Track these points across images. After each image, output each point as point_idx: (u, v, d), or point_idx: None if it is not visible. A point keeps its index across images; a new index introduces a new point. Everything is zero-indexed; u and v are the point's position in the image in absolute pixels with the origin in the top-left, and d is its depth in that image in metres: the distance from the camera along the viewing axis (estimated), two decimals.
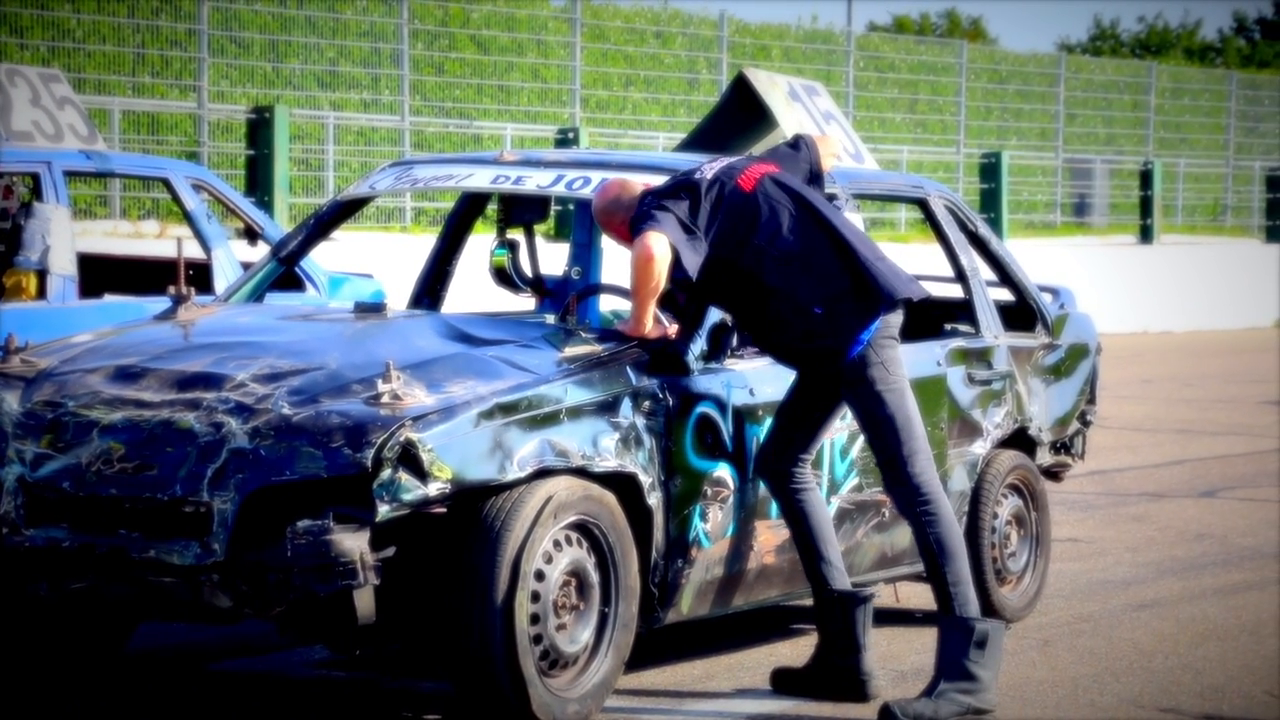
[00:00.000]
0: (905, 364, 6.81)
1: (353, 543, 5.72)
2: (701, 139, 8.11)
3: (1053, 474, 8.65)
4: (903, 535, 6.93)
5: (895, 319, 6.60)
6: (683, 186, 6.66)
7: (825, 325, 6.53)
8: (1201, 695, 6.92)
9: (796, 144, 7.06)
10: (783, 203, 6.59)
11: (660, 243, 6.37)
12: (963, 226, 8.30)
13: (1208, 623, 8.16)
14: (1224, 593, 8.81)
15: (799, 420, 6.78)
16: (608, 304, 7.98)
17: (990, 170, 28.36)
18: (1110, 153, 34.35)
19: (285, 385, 6.10)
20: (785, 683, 6.78)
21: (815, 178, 6.93)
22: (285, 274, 8.20)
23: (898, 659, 7.16)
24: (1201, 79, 38.94)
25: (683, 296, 6.74)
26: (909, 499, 6.59)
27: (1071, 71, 34.91)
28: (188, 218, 9.80)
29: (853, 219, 7.36)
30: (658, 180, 6.89)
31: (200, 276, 9.34)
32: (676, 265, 6.45)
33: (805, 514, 6.78)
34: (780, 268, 6.52)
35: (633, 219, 6.58)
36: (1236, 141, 35.89)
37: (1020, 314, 8.58)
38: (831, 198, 7.18)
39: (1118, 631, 7.97)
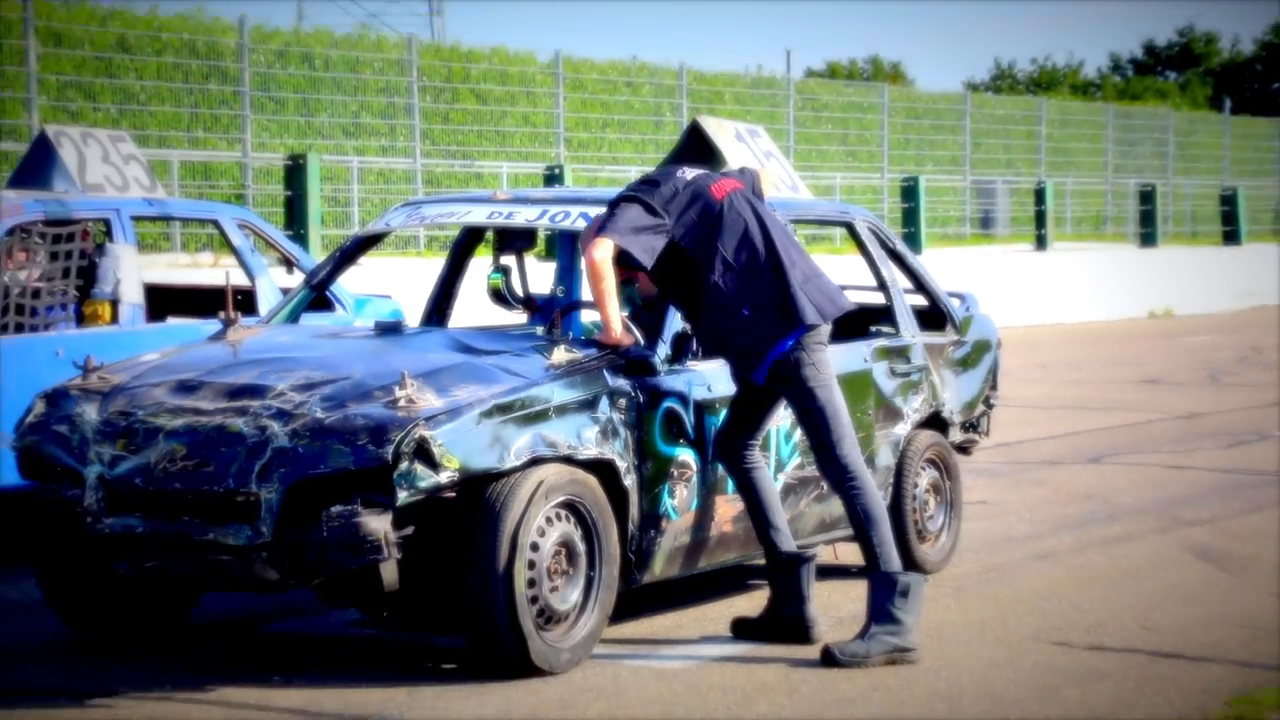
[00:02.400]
0: (835, 363, 6.87)
1: (378, 524, 5.77)
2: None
3: (963, 449, 8.69)
4: (838, 505, 6.96)
5: (825, 329, 6.65)
6: (663, 178, 6.71)
7: (748, 328, 6.57)
8: (1088, 630, 6.96)
9: (743, 172, 7.10)
10: (744, 217, 6.64)
11: (600, 248, 6.46)
12: (883, 244, 8.35)
13: (1093, 569, 8.20)
14: (1107, 543, 8.84)
15: (746, 411, 6.82)
16: (589, 316, 8.00)
17: (910, 192, 28.39)
18: (1009, 174, 34.39)
19: (318, 393, 6.13)
20: (743, 630, 6.82)
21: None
22: (317, 298, 8.24)
23: (837, 607, 7.19)
24: (1084, 110, 39.02)
25: (646, 317, 6.79)
26: (839, 477, 6.64)
27: (976, 106, 34.97)
28: (234, 252, 9.82)
29: None
30: None
31: (246, 302, 9.36)
32: (628, 256, 6.50)
33: (756, 489, 6.83)
34: (725, 269, 6.57)
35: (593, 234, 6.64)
36: (1114, 163, 35.97)
37: (933, 316, 8.63)
38: None
39: (1019, 579, 8.01)
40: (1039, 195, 30.93)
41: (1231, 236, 34.40)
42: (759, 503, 6.82)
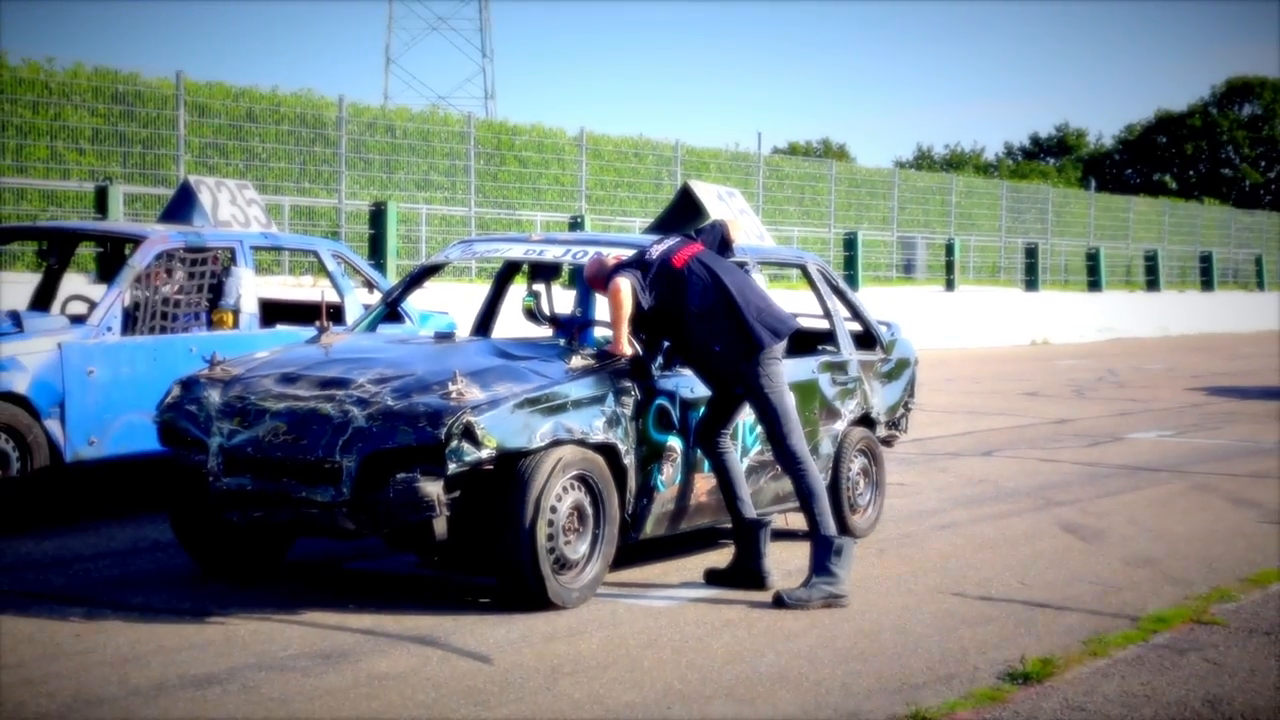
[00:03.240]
0: (789, 373, 6.83)
1: (432, 487, 5.72)
2: (661, 225, 8.09)
3: (887, 442, 8.63)
4: (789, 483, 6.90)
5: (779, 348, 6.61)
6: (637, 261, 6.69)
7: (722, 358, 6.56)
8: (979, 584, 6.90)
9: (713, 226, 7.06)
10: (701, 276, 6.60)
11: (625, 284, 6.46)
12: (829, 283, 8.29)
13: (984, 537, 8.14)
14: (995, 517, 8.78)
15: (720, 409, 6.77)
16: (600, 332, 7.95)
17: (850, 243, 28.36)
18: (927, 232, 34.29)
19: (389, 385, 6.08)
20: (714, 578, 6.76)
21: (725, 247, 6.94)
22: (391, 313, 8.19)
23: (787, 562, 7.13)
24: (984, 185, 38.92)
25: (641, 336, 6.75)
26: (789, 462, 6.59)
27: (902, 179, 34.88)
28: (329, 276, 9.77)
29: (757, 277, 7.36)
30: (626, 252, 6.91)
31: (336, 315, 9.31)
32: (636, 301, 6.48)
33: (727, 469, 6.78)
34: (696, 320, 6.55)
35: (607, 277, 6.62)
36: (1007, 226, 35.87)
37: (866, 339, 8.57)
38: (742, 264, 7.18)
39: (927, 543, 7.95)
40: (949, 249, 30.89)
41: (1095, 285, 34.38)
42: (728, 480, 6.77)
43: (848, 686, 5.13)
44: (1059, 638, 5.88)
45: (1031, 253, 33.10)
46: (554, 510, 6.02)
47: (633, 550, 6.84)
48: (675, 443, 6.72)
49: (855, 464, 8.02)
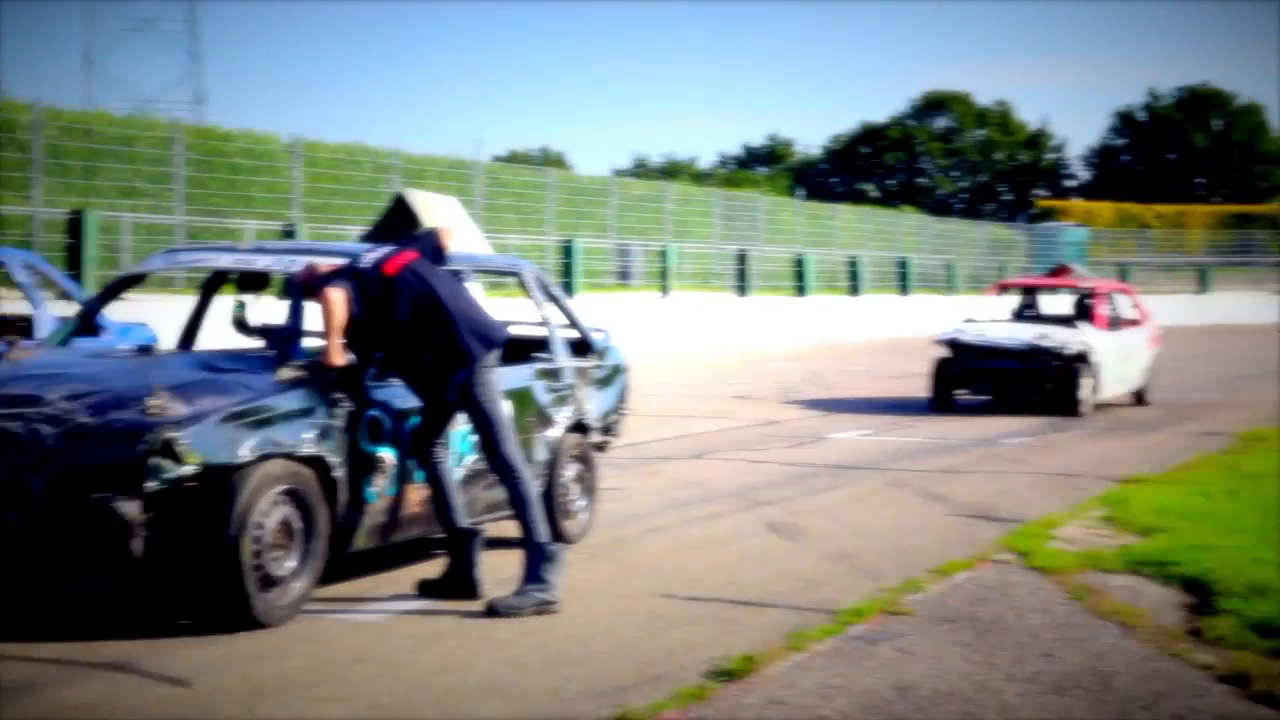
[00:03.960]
0: (505, 380, 6.87)
1: (129, 507, 5.53)
2: (376, 234, 8.00)
3: (600, 447, 8.73)
4: (503, 492, 6.92)
5: (491, 357, 6.63)
6: (350, 270, 6.61)
7: (433, 369, 6.56)
8: (687, 585, 7.05)
9: (430, 234, 7.03)
10: (414, 285, 6.58)
11: (337, 294, 6.40)
12: (544, 290, 8.35)
13: (693, 539, 8.32)
14: (705, 519, 9.00)
15: (433, 418, 6.74)
16: (312, 343, 7.79)
17: (568, 251, 28.57)
18: (643, 239, 34.73)
19: (84, 402, 5.85)
20: (427, 589, 6.72)
21: (439, 255, 6.93)
22: (87, 326, 7.85)
23: (501, 570, 7.12)
24: (699, 194, 39.85)
25: (356, 345, 6.66)
26: (504, 469, 6.63)
27: (620, 188, 35.43)
28: (19, 287, 9.30)
29: (474, 285, 7.38)
30: (339, 260, 6.82)
31: (27, 328, 8.85)
32: (350, 310, 6.41)
33: (440, 478, 6.77)
34: (407, 330, 6.53)
35: (318, 286, 6.52)
36: (720, 233, 36.77)
37: (581, 346, 8.66)
38: (457, 273, 7.17)
39: (638, 547, 8.08)
40: (664, 255, 31.49)
41: (801, 290, 35.61)
42: (442, 489, 6.76)
43: (557, 692, 5.19)
44: (762, 634, 6.07)
45: (743, 259, 34.06)
46: (260, 526, 5.88)
47: (344, 564, 6.74)
48: (388, 454, 6.65)
49: (569, 470, 8.09)
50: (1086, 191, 74.34)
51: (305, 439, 6.15)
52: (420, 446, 6.74)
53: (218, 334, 8.18)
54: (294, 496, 6.09)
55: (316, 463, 6.22)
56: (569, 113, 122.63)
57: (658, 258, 32.34)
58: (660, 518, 9.04)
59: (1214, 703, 5.19)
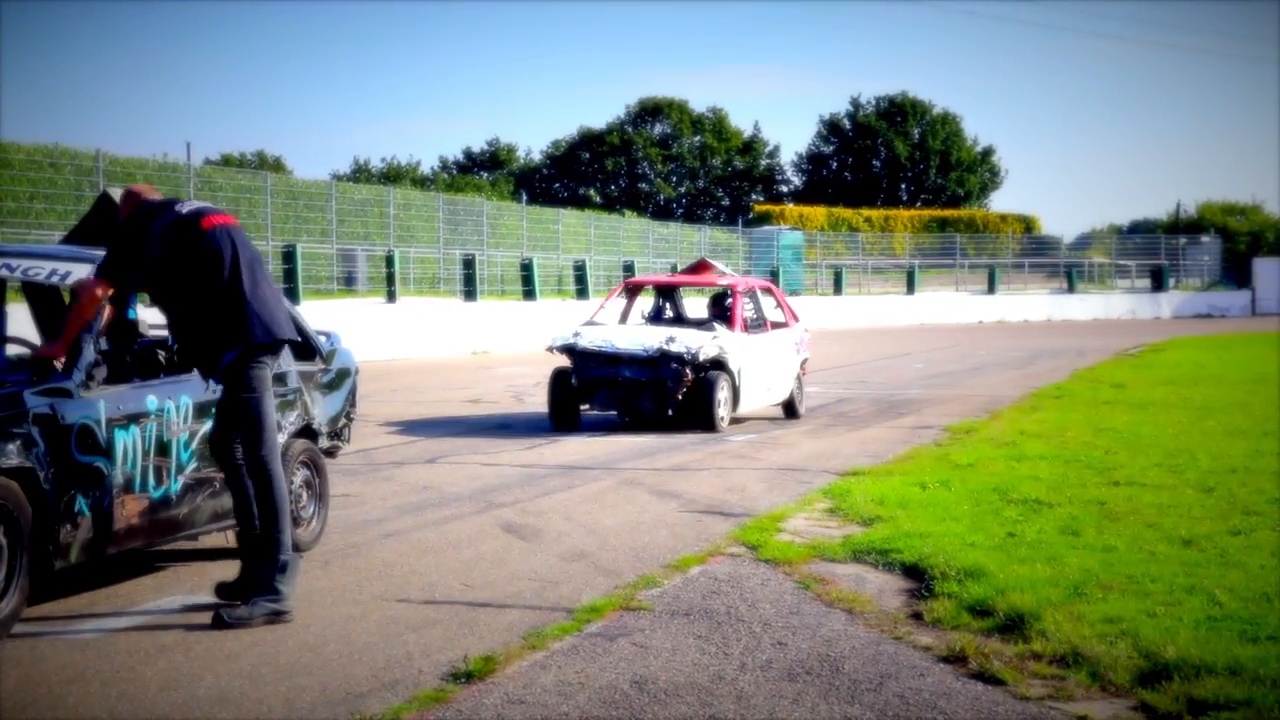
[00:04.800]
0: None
1: None
2: (79, 235, 7.61)
3: (330, 453, 8.53)
4: (229, 499, 6.66)
5: (272, 354, 6.42)
6: (156, 213, 6.30)
7: (205, 340, 6.33)
8: (423, 589, 6.95)
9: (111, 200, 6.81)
10: (220, 247, 6.30)
11: (100, 290, 6.16)
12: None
13: (428, 543, 8.19)
14: (439, 523, 8.88)
15: (220, 413, 6.47)
16: (13, 350, 7.34)
17: (289, 256, 27.96)
18: (367, 244, 34.29)
19: None
20: (224, 591, 6.42)
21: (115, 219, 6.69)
22: None
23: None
24: (422, 198, 39.49)
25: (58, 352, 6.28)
26: (259, 473, 6.37)
27: (340, 192, 34.81)
28: None
29: None
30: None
31: None
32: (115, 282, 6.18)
33: (243, 481, 6.43)
34: (199, 287, 6.26)
35: (123, 227, 6.29)
36: (445, 237, 36.52)
37: (305, 350, 8.41)
38: None
39: (372, 552, 7.91)
40: (389, 260, 31.10)
41: (530, 294, 35.74)
42: (245, 492, 6.40)
43: (291, 702, 5.02)
44: (500, 635, 6.02)
45: (469, 264, 33.92)
46: None
47: (57, 581, 6.36)
48: (101, 464, 6.31)
49: (298, 476, 7.86)
50: (799, 196, 76.99)
51: (10, 450, 5.78)
52: (220, 450, 6.43)
53: None
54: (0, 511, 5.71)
55: (23, 474, 5.85)
56: (285, 117, 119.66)
57: (383, 263, 31.90)
58: (394, 523, 8.88)
59: (934, 681, 5.40)
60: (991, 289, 54.19)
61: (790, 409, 16.02)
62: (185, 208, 6.40)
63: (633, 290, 16.57)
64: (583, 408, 14.65)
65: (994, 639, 5.93)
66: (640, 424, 14.61)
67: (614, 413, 14.87)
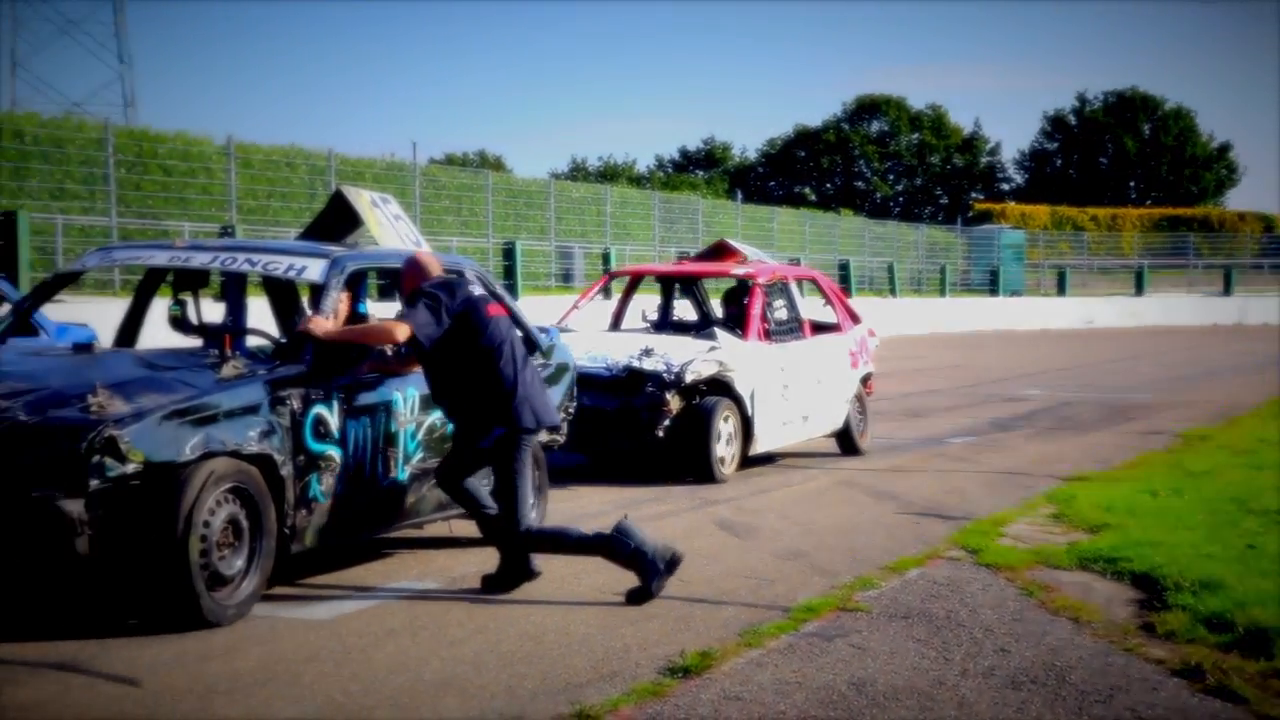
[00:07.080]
0: None
1: (72, 505, 5.42)
2: (314, 231, 7.92)
3: (548, 447, 8.66)
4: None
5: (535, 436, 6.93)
6: (453, 287, 6.78)
7: (476, 413, 6.74)
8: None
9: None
10: (495, 331, 6.77)
11: (402, 330, 6.55)
12: (487, 288, 8.27)
13: None
14: (655, 518, 8.85)
15: (463, 459, 6.90)
16: (254, 342, 7.68)
17: (507, 253, 28.50)
18: (584, 242, 34.77)
19: (22, 400, 5.71)
20: (489, 583, 6.77)
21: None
22: (23, 325, 7.69)
23: (449, 569, 7.06)
24: (638, 196, 39.90)
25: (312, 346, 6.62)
26: (511, 526, 6.79)
27: (558, 191, 35.39)
28: None
29: None
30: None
31: None
32: (411, 340, 6.60)
33: (472, 496, 6.98)
34: (474, 364, 6.69)
35: (412, 293, 6.75)
36: (660, 235, 36.83)
37: (527, 344, 8.57)
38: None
39: None
40: (605, 258, 31.43)
41: None
42: (476, 504, 6.97)
43: (512, 689, 5.13)
44: (716, 631, 6.04)
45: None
46: (207, 525, 5.78)
47: (295, 562, 6.64)
48: (334, 452, 6.56)
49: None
50: (1020, 195, 75.16)
51: (250, 437, 6.05)
52: (449, 481, 6.89)
53: (158, 333, 8.06)
54: (241, 494, 5.99)
55: (262, 461, 6.13)
56: (506, 116, 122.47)
57: (599, 260, 32.30)
58: (613, 519, 8.94)
59: (1168, 696, 5.22)
60: (1228, 290, 51.85)
61: (847, 442, 12.23)
62: (475, 290, 6.87)
63: (631, 284, 12.68)
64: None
65: (1233, 654, 5.69)
66: (612, 467, 10.97)
67: (579, 455, 10.92)
